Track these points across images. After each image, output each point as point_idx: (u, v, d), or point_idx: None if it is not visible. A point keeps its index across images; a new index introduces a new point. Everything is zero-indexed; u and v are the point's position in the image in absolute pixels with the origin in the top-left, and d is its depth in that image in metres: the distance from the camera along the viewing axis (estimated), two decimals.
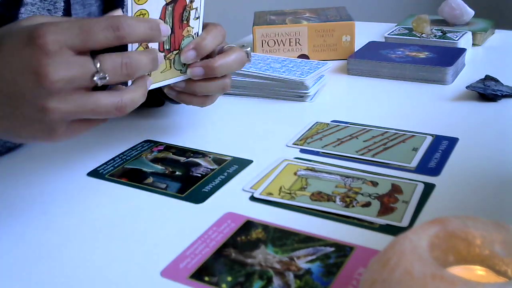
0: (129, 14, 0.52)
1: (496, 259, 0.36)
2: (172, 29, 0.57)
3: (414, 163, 0.62)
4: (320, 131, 0.71)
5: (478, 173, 0.60)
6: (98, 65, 0.46)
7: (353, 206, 0.54)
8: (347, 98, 0.86)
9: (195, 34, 0.61)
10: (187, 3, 0.58)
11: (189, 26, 0.60)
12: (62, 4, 0.65)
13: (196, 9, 0.60)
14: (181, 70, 0.61)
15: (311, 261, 0.47)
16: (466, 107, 0.78)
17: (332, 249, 0.48)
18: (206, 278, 0.45)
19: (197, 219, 0.53)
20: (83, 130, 0.49)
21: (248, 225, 0.52)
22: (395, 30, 1.10)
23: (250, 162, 0.64)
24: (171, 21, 0.57)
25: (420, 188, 0.57)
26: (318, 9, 1.11)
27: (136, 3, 0.52)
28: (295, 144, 0.68)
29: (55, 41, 0.44)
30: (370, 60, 0.92)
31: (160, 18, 0.55)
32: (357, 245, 0.48)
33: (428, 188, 0.57)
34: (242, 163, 0.64)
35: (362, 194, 0.56)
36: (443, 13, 1.12)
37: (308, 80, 0.82)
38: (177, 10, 0.58)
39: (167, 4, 0.56)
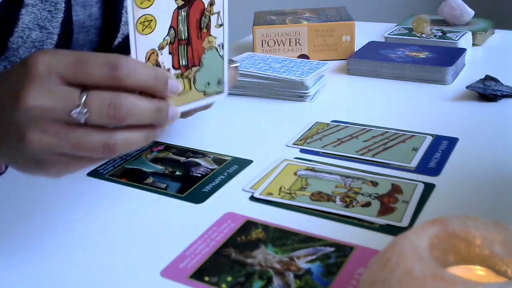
0: (130, 20, 0.44)
1: (496, 259, 0.36)
2: (188, 39, 0.48)
3: (414, 163, 0.62)
4: (320, 131, 0.71)
5: (478, 173, 0.60)
6: (84, 99, 0.41)
7: (353, 206, 0.54)
8: (347, 98, 0.86)
9: (219, 45, 0.50)
10: (205, 6, 0.48)
11: (210, 35, 0.49)
12: (63, 5, 0.65)
13: (218, 14, 0.49)
14: (204, 91, 0.50)
15: (311, 261, 0.47)
16: (466, 107, 0.78)
17: (332, 249, 0.48)
18: (206, 278, 0.45)
19: (197, 219, 0.53)
20: (75, 167, 0.44)
21: (248, 225, 0.52)
22: (395, 30, 1.10)
23: (250, 162, 0.64)
24: (185, 28, 0.48)
25: (420, 188, 0.57)
26: (318, 9, 1.11)
27: (138, 6, 0.44)
28: (295, 144, 0.68)
29: (45, 63, 0.41)
30: (370, 60, 0.92)
31: (171, 25, 0.46)
32: (357, 245, 0.48)
33: (428, 188, 0.57)
34: (242, 163, 0.64)
35: (362, 194, 0.56)
36: (443, 13, 1.12)
37: (308, 80, 0.82)
38: (193, 15, 0.48)
39: (179, 8, 0.46)
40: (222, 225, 0.52)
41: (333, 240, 0.49)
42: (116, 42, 0.74)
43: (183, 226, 0.53)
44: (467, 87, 0.81)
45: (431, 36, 1.04)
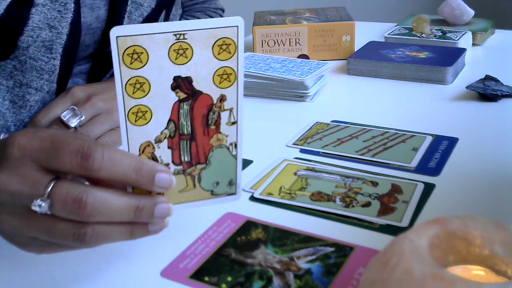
0: (121, 109, 0.41)
1: (496, 259, 0.36)
2: (191, 134, 0.44)
3: (414, 163, 0.62)
4: (320, 131, 0.71)
5: (478, 173, 0.60)
6: (49, 189, 0.38)
7: (353, 206, 0.54)
8: (347, 98, 0.86)
9: (231, 144, 0.45)
10: (214, 101, 0.43)
11: (220, 133, 0.44)
12: (72, 5, 0.66)
13: (231, 110, 0.44)
14: (212, 191, 0.46)
15: (311, 261, 0.47)
16: (466, 107, 0.78)
17: (332, 249, 0.48)
18: (206, 278, 0.45)
19: (197, 219, 0.53)
20: (52, 251, 0.42)
21: (248, 225, 0.52)
22: (395, 30, 1.10)
23: (250, 162, 0.64)
24: (189, 123, 0.43)
25: (420, 188, 0.57)
26: (318, 9, 1.11)
27: (130, 96, 0.41)
28: (295, 144, 0.68)
29: (21, 147, 0.39)
30: (370, 60, 0.92)
31: (170, 118, 0.43)
32: (357, 245, 0.48)
33: (428, 188, 0.57)
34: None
35: (362, 194, 0.56)
36: (443, 13, 1.12)
37: (308, 80, 0.82)
38: (198, 109, 0.43)
39: (180, 101, 0.42)
40: (222, 225, 0.52)
41: (333, 240, 0.49)
42: None
43: (183, 226, 0.53)
44: (467, 87, 0.81)
45: (431, 36, 1.04)
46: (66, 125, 0.66)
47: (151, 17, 0.77)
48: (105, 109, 0.68)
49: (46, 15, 0.64)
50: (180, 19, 0.89)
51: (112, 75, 0.78)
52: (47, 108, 0.68)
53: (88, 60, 0.75)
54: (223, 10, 1.03)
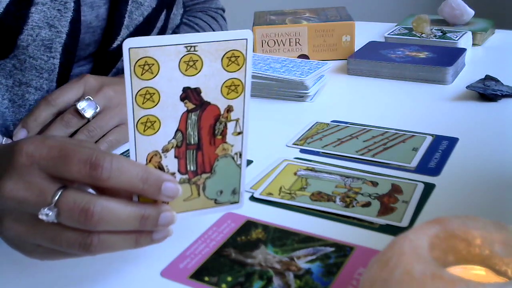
0: (130, 119, 0.41)
1: (496, 259, 0.36)
2: (198, 144, 0.44)
3: (414, 163, 0.62)
4: (320, 131, 0.71)
5: (478, 173, 0.60)
6: (56, 197, 0.39)
7: (353, 206, 0.54)
8: (347, 98, 0.86)
9: (236, 154, 0.46)
10: (221, 112, 0.44)
11: (226, 142, 0.45)
12: (72, 4, 0.66)
13: (237, 121, 0.45)
14: (216, 199, 0.46)
15: (311, 261, 0.47)
16: (466, 107, 0.78)
17: (332, 249, 0.48)
18: (206, 278, 0.45)
19: (197, 219, 0.53)
20: (56, 258, 0.42)
21: (248, 225, 0.52)
22: (395, 30, 1.10)
23: (250, 162, 0.64)
24: (195, 133, 0.44)
25: (420, 188, 0.57)
26: (318, 9, 1.11)
27: (140, 106, 0.41)
28: (295, 144, 0.68)
29: (29, 154, 0.39)
30: (370, 60, 0.92)
31: (178, 128, 0.43)
32: (357, 245, 0.49)
33: (428, 188, 0.57)
34: None
35: (362, 194, 0.56)
36: (443, 13, 1.12)
37: (308, 80, 0.82)
38: (205, 119, 0.44)
39: (189, 111, 0.43)
40: (222, 225, 0.52)
41: (333, 240, 0.49)
42: (114, 45, 0.74)
43: (183, 226, 0.53)
44: (467, 87, 0.81)
45: (431, 36, 1.04)
46: (81, 115, 0.65)
47: (152, 17, 0.77)
48: (115, 102, 0.67)
49: (45, 14, 0.64)
50: (181, 19, 0.89)
51: (114, 75, 0.78)
52: (61, 90, 0.66)
53: (90, 61, 0.75)
54: (223, 10, 1.03)
